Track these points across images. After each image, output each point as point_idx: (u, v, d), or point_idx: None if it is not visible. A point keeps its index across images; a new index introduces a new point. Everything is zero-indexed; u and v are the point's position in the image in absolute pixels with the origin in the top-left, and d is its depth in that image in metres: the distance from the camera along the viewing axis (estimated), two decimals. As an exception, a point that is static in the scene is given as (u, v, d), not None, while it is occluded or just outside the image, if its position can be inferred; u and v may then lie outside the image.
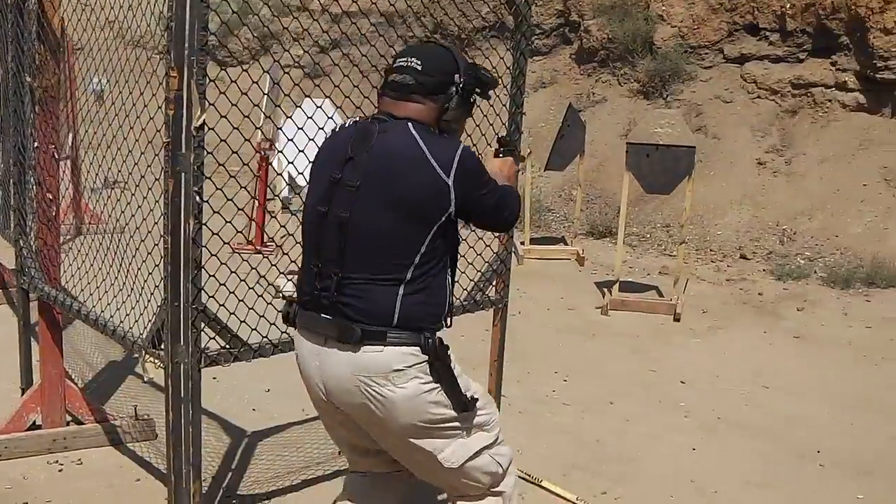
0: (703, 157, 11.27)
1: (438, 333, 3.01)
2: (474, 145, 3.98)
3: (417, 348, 2.93)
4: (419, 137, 2.92)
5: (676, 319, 8.18)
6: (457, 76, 3.03)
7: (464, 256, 4.60)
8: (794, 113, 11.75)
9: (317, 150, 3.16)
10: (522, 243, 10.55)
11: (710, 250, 10.53)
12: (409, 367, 2.92)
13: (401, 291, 2.92)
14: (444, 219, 2.93)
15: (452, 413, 3.01)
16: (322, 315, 2.97)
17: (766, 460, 5.23)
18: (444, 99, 3.02)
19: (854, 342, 7.73)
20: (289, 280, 6.54)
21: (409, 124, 2.95)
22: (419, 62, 3.00)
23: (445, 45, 3.18)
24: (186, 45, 3.11)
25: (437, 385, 2.97)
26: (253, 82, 3.85)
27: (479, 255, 4.49)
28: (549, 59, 14.64)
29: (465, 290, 4.55)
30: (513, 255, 8.47)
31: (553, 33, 14.70)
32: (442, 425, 3.02)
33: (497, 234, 4.42)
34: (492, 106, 3.96)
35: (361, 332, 2.89)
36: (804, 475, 5.06)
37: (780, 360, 7.22)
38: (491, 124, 4.27)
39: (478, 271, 4.56)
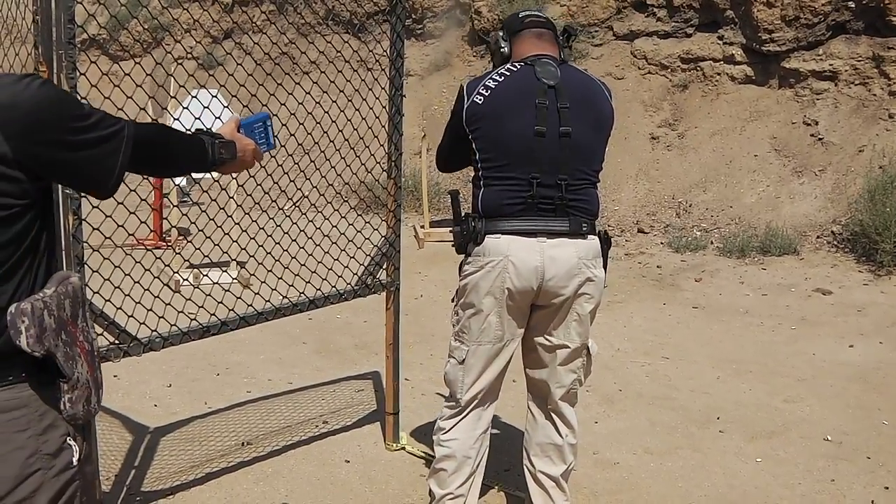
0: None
1: None
2: (355, 129, 3.97)
3: None
4: (587, 72, 3.70)
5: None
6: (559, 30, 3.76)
7: (352, 241, 4.60)
8: (685, 87, 11.93)
9: (486, 91, 3.61)
10: (422, 226, 10.54)
11: (609, 226, 10.64)
12: (600, 253, 3.66)
13: (597, 191, 3.67)
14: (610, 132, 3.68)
15: None
16: (543, 215, 3.51)
17: (666, 429, 5.31)
18: (561, 44, 3.72)
19: (751, 310, 7.90)
20: (186, 278, 6.50)
21: (570, 63, 3.67)
22: (544, 17, 3.71)
23: None
24: (54, 38, 3.05)
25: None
26: (147, 74, 3.79)
27: (368, 238, 4.49)
28: (442, 41, 14.64)
29: (356, 274, 4.55)
30: (415, 239, 8.45)
31: (444, 16, 14.70)
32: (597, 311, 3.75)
33: (384, 218, 4.62)
34: (370, 90, 3.96)
35: (588, 225, 3.58)
36: (704, 442, 5.14)
37: (679, 331, 7.35)
38: (371, 108, 4.27)
39: (367, 255, 4.57)
